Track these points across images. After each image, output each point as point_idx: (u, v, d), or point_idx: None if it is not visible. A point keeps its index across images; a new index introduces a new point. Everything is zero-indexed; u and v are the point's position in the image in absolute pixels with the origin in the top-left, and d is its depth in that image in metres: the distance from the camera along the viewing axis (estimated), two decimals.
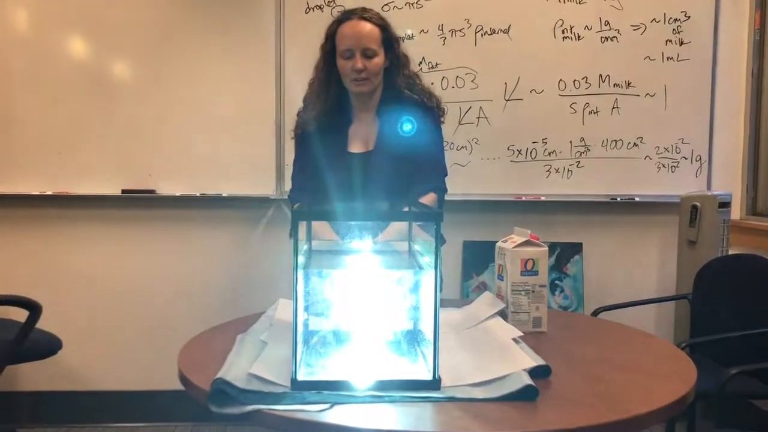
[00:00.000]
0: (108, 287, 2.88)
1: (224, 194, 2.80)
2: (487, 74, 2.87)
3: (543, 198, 2.90)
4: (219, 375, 1.17)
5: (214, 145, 2.79)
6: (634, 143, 2.92)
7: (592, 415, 1.07)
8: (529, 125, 2.88)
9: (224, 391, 1.13)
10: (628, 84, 2.90)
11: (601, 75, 2.90)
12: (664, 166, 2.94)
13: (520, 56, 2.87)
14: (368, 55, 1.88)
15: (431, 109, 1.98)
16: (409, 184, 1.92)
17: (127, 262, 2.89)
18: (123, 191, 2.80)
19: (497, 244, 1.69)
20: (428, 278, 1.21)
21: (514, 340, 1.41)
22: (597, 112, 2.91)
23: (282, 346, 1.31)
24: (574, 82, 2.89)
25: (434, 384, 1.18)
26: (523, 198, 2.89)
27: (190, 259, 2.90)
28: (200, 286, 2.88)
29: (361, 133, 2.00)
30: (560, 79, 2.89)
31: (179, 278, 2.89)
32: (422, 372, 1.24)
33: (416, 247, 1.46)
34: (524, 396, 1.14)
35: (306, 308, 1.24)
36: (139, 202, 2.86)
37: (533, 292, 1.60)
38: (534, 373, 1.22)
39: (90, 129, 2.77)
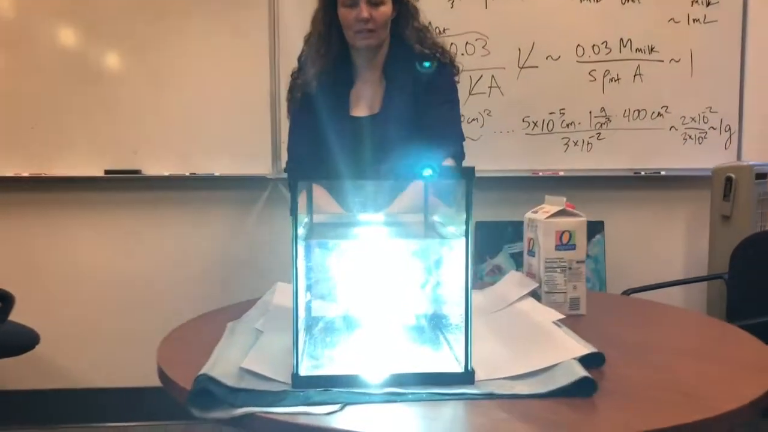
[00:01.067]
0: (90, 277, 2.67)
1: (216, 174, 2.59)
2: (499, 40, 2.67)
3: (561, 173, 2.69)
4: (203, 371, 0.96)
5: (204, 120, 2.57)
6: (659, 113, 2.72)
7: (669, 414, 0.86)
8: (545, 95, 2.68)
9: (209, 391, 0.92)
10: (652, 49, 2.70)
11: (622, 39, 2.70)
12: (690, 137, 2.73)
13: (535, 20, 2.67)
14: (374, 2, 1.66)
15: (445, 66, 1.77)
16: (421, 150, 1.70)
17: (111, 249, 2.67)
18: (106, 172, 2.59)
19: (526, 215, 1.47)
20: (457, 249, 0.99)
21: (555, 324, 1.19)
22: (618, 79, 2.70)
23: (280, 336, 1.10)
24: (593, 47, 2.68)
25: (467, 377, 0.98)
26: (540, 174, 2.68)
27: (179, 245, 2.68)
28: (191, 275, 2.67)
29: (365, 94, 1.79)
30: (578, 44, 2.69)
31: (168, 266, 2.68)
32: (450, 363, 1.03)
33: (435, 218, 1.25)
34: (580, 391, 0.93)
35: (308, 288, 1.02)
36: (123, 183, 2.65)
37: (570, 269, 1.39)
38: (584, 362, 1.00)
39: (68, 103, 2.56)
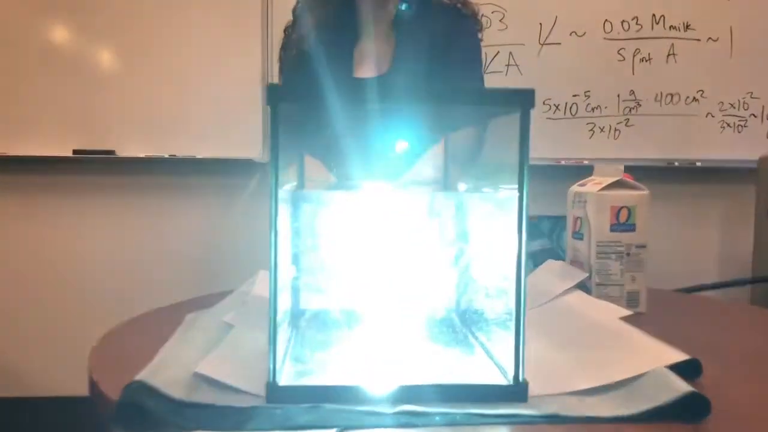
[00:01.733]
0: (53, 269, 2.37)
1: (199, 156, 2.30)
2: (518, 13, 2.40)
3: (586, 162, 2.41)
4: (139, 376, 0.67)
5: (187, 97, 2.29)
6: (694, 98, 2.44)
7: None
8: (569, 75, 2.40)
9: (142, 407, 0.62)
10: (687, 26, 2.43)
11: (654, 15, 2.43)
12: (729, 125, 2.45)
13: None
14: None
15: (466, 17, 1.48)
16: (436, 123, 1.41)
17: (77, 238, 2.38)
18: (74, 152, 2.31)
19: (571, 188, 1.19)
20: (504, 208, 0.70)
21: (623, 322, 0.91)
22: (649, 59, 2.43)
23: (257, 333, 0.81)
24: (622, 23, 2.42)
25: (518, 392, 0.69)
26: (563, 162, 2.39)
27: (156, 236, 2.39)
28: (169, 269, 2.37)
29: (371, 52, 1.50)
30: (606, 20, 2.43)
31: (142, 259, 2.39)
32: (490, 372, 0.74)
33: (461, 186, 0.96)
34: (684, 412, 0.64)
35: (294, 263, 0.74)
36: (94, 165, 2.37)
37: (628, 255, 1.10)
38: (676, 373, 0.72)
39: (32, 75, 2.26)
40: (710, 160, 2.45)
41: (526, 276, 0.69)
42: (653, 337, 0.83)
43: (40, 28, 2.28)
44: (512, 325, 0.70)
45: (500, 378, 0.72)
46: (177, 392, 0.66)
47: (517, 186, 0.68)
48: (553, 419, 0.64)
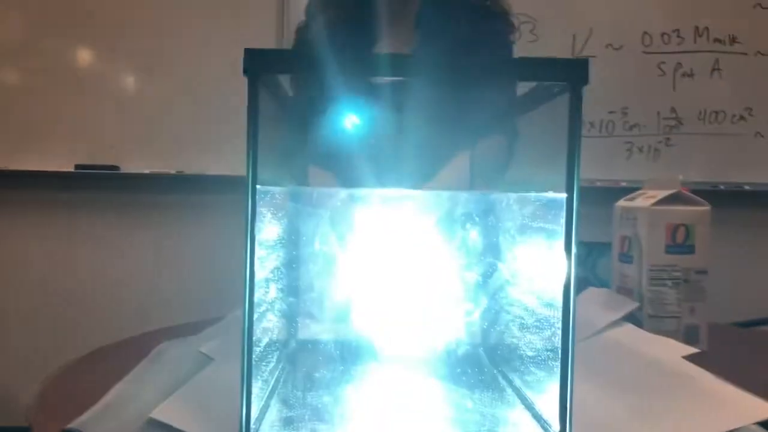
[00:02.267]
0: (54, 292, 2.24)
1: (208, 173, 2.16)
2: (550, 23, 2.25)
3: (623, 184, 2.23)
4: (73, 423, 0.52)
5: (196, 109, 2.16)
6: (741, 116, 2.26)
7: None
8: (605, 91, 2.23)
9: None
10: (733, 39, 2.26)
11: (697, 27, 2.26)
12: None
13: (594, 0, 2.22)
14: None
15: (496, 16, 1.34)
16: (462, 124, 1.26)
17: (78, 257, 2.24)
18: (77, 167, 2.18)
19: (618, 204, 1.02)
20: (548, 217, 0.55)
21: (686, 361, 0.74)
22: (692, 74, 2.26)
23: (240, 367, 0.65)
24: (662, 35, 2.26)
25: None
26: (598, 184, 2.22)
27: (161, 257, 2.25)
28: (175, 292, 2.22)
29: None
30: (645, 32, 2.26)
31: (146, 280, 2.24)
32: (528, 425, 0.58)
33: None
34: None
35: (279, 281, 0.58)
36: (97, 181, 2.23)
37: (686, 281, 0.93)
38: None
39: (33, 88, 2.15)
40: (760, 184, 2.26)
41: (575, 301, 0.53)
42: (729, 383, 0.66)
43: (41, 41, 2.18)
44: (557, 364, 0.54)
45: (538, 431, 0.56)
46: None
47: (565, 186, 0.52)
48: None
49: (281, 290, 0.60)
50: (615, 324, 0.91)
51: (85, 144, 2.18)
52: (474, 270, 0.60)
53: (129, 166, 2.19)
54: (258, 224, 0.52)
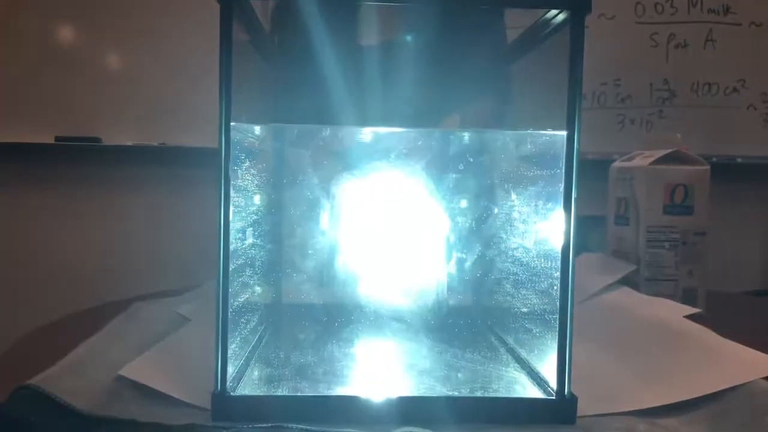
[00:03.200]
0: (34, 264, 2.17)
1: (193, 146, 2.10)
2: None
3: (615, 156, 2.19)
4: (34, 379, 0.48)
5: (180, 78, 2.09)
6: (734, 88, 2.23)
7: None
8: (597, 62, 2.18)
9: (23, 423, 0.43)
10: (727, 9, 2.22)
11: None
12: None
13: None
14: None
15: None
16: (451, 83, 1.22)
17: (60, 231, 2.18)
18: (57, 139, 2.10)
19: (614, 164, 0.99)
20: (545, 157, 0.51)
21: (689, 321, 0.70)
22: (685, 45, 2.22)
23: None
24: (655, 5, 2.21)
25: (563, 410, 0.50)
26: (589, 156, 2.18)
27: (145, 230, 2.19)
28: (158, 268, 2.16)
29: (377, 14, 1.31)
30: (637, 2, 2.20)
31: (130, 257, 2.18)
32: (523, 384, 0.55)
33: None
34: None
35: (258, 228, 0.55)
36: (77, 153, 2.15)
37: (684, 244, 0.90)
38: None
39: (9, 57, 2.08)
40: (752, 157, 2.24)
41: (575, 252, 0.49)
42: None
43: (19, 14, 2.10)
44: (554, 318, 0.50)
45: (537, 391, 0.52)
46: (85, 403, 0.46)
47: (566, 125, 0.49)
48: None
49: (260, 238, 0.56)
50: (611, 287, 0.88)
51: (66, 116, 2.10)
52: (467, 216, 0.56)
53: (111, 138, 2.12)
54: (234, 167, 0.48)
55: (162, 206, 2.19)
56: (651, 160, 0.91)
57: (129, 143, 2.11)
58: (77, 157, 2.16)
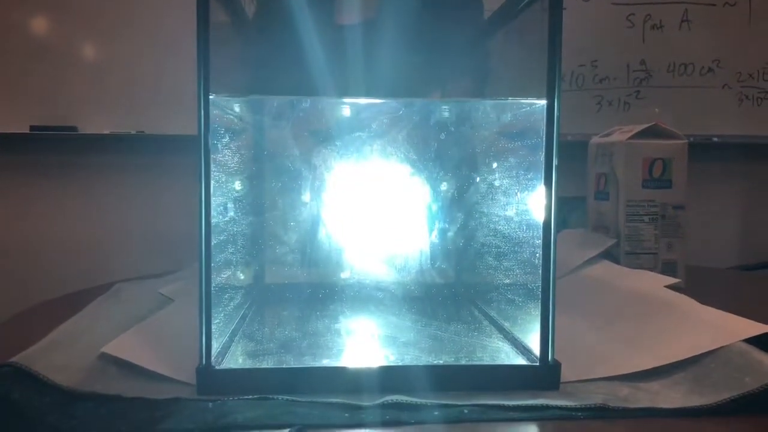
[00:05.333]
0: (11, 257, 2.14)
1: (172, 134, 2.08)
2: None
3: (593, 137, 2.20)
4: (16, 358, 0.47)
5: (158, 64, 2.07)
6: (709, 68, 2.25)
7: None
8: (574, 43, 2.19)
9: (7, 400, 0.43)
10: None
11: None
12: (747, 97, 2.26)
13: None
14: None
15: None
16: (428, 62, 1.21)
17: (36, 222, 2.15)
18: (32, 128, 2.06)
19: (593, 141, 1.00)
20: (527, 122, 0.52)
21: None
22: (661, 26, 2.23)
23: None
24: None
25: (547, 376, 0.50)
26: (569, 138, 2.19)
27: (123, 220, 2.17)
28: (139, 253, 2.14)
29: None
30: None
31: (107, 248, 2.16)
32: (506, 352, 0.55)
33: None
34: None
35: (239, 202, 0.55)
36: (53, 142, 2.12)
37: (663, 217, 0.91)
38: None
39: None
40: (727, 135, 2.26)
41: (557, 219, 0.50)
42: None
43: None
44: (536, 288, 0.51)
45: (520, 358, 0.53)
46: (68, 379, 0.46)
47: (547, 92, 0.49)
48: (600, 412, 0.45)
49: (242, 213, 0.56)
50: (592, 261, 0.89)
51: (41, 105, 2.06)
52: (448, 186, 0.56)
53: (88, 127, 2.08)
54: (213, 141, 0.47)
55: (140, 195, 2.17)
56: (629, 135, 0.92)
57: (106, 132, 2.08)
58: (53, 147, 2.13)
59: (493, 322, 0.61)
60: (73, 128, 2.06)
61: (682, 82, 2.24)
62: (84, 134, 2.08)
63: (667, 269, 0.90)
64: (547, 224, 0.49)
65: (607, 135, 0.97)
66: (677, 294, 0.67)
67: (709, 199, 2.30)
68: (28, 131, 2.06)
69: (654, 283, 0.73)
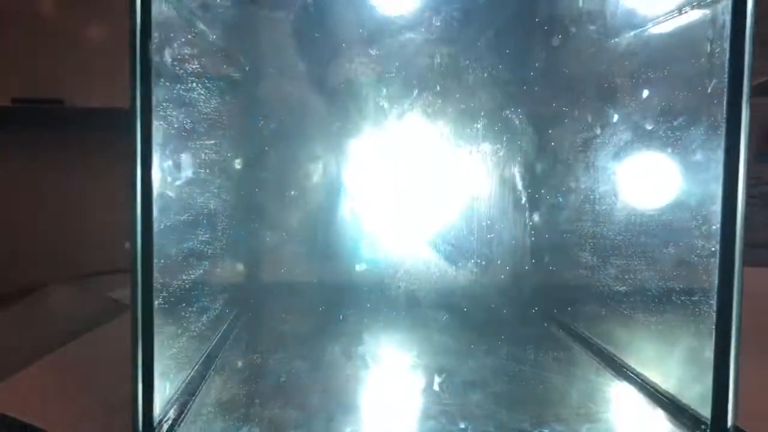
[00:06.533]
0: None
1: None
2: None
3: None
4: None
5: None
6: None
7: None
8: None
9: None
10: None
11: None
12: None
13: None
14: None
15: None
16: None
17: (22, 202, 2.02)
18: (14, 101, 1.98)
19: None
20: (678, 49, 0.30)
21: None
22: None
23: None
24: None
25: None
26: None
27: (113, 198, 1.99)
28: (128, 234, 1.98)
29: None
30: None
31: (96, 228, 2.00)
32: (637, 403, 0.34)
33: None
34: None
35: (212, 150, 0.34)
36: (39, 117, 2.03)
37: None
38: None
39: None
40: None
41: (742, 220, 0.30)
42: None
43: None
44: (688, 302, 0.30)
45: (663, 419, 0.32)
46: None
47: None
48: None
49: (220, 177, 0.35)
50: None
51: (24, 76, 1.97)
52: (553, 132, 0.36)
53: (75, 100, 1.99)
54: (167, 40, 0.27)
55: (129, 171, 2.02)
56: None
57: (95, 105, 1.96)
58: (37, 121, 2.04)
59: (599, 353, 0.41)
60: (59, 101, 1.99)
61: None
62: (71, 108, 2.00)
63: None
64: (730, 201, 0.29)
65: None
66: None
67: None
68: (9, 104, 1.99)
69: None
